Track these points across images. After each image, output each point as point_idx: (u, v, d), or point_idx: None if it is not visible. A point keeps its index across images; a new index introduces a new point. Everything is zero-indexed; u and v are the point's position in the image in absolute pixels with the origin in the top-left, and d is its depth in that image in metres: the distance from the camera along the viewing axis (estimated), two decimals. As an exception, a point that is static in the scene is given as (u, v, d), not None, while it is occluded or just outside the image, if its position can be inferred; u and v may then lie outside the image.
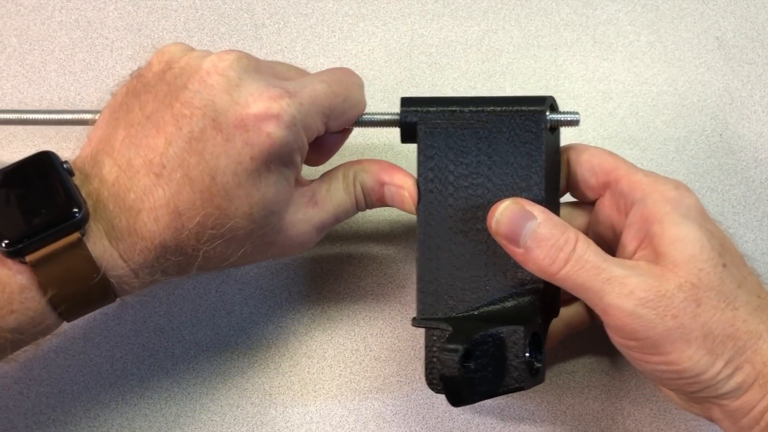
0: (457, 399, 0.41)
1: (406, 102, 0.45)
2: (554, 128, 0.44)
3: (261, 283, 0.52)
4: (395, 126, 0.45)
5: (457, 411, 0.50)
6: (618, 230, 0.44)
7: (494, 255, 0.43)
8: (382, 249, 0.52)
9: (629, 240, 0.43)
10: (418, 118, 0.44)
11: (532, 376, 0.43)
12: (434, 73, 0.53)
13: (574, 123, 0.44)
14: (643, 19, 0.54)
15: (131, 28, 0.54)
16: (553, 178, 0.44)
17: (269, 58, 0.54)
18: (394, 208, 0.46)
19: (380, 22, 0.54)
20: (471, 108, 0.44)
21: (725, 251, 0.41)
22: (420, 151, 0.44)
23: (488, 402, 0.50)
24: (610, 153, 0.45)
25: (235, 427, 0.51)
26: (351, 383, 0.51)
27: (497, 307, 0.43)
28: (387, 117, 0.45)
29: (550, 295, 0.44)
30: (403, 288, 0.51)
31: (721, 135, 0.52)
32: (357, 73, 0.45)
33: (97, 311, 0.51)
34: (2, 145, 0.53)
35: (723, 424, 0.42)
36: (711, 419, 0.42)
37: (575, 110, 0.44)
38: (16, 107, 0.54)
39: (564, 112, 0.44)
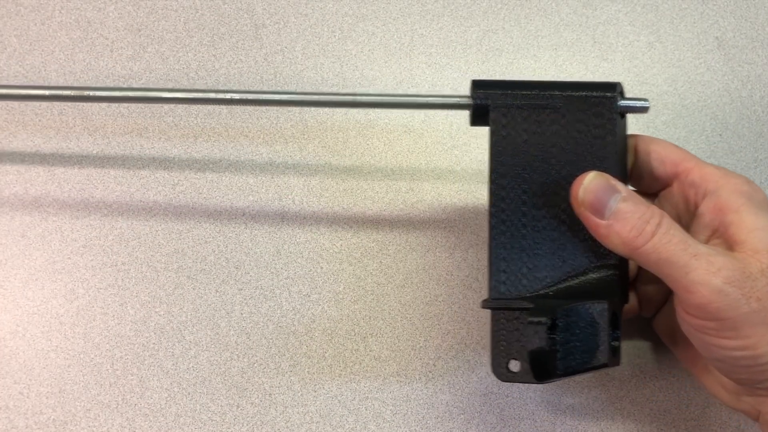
0: (543, 373, 0.40)
1: (477, 85, 0.45)
2: (623, 114, 0.45)
3: (261, 283, 0.52)
4: (464, 109, 0.45)
5: (456, 411, 0.50)
6: (684, 221, 0.44)
7: (569, 232, 0.43)
8: (382, 249, 0.52)
9: (701, 228, 0.43)
10: (490, 100, 0.44)
11: (613, 356, 0.42)
12: (434, 73, 0.54)
13: (643, 110, 0.44)
14: (643, 19, 0.54)
15: (131, 28, 0.55)
16: (623, 164, 0.44)
17: (269, 59, 0.54)
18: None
19: (380, 22, 0.54)
20: (543, 91, 0.44)
21: None
22: (492, 133, 0.44)
23: (488, 402, 0.50)
24: (677, 146, 0.45)
25: (235, 427, 0.51)
26: (351, 383, 0.51)
27: (572, 284, 0.43)
28: (456, 100, 0.46)
29: (622, 279, 0.44)
30: (402, 287, 0.51)
31: (721, 135, 0.52)
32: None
33: (97, 311, 0.52)
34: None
35: None
36: (756, 418, 0.42)
37: (644, 97, 0.44)
38: (16, 106, 0.54)
39: (633, 99, 0.44)
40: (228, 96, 0.47)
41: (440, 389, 0.51)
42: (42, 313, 0.52)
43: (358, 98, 0.46)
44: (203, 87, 0.54)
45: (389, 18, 0.54)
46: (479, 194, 0.52)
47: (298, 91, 0.47)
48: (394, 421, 0.51)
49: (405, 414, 0.51)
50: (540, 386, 0.50)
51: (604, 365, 0.41)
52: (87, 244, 0.52)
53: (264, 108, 0.53)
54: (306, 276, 0.52)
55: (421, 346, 0.51)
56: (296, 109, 0.54)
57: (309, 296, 0.52)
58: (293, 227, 0.52)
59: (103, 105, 0.54)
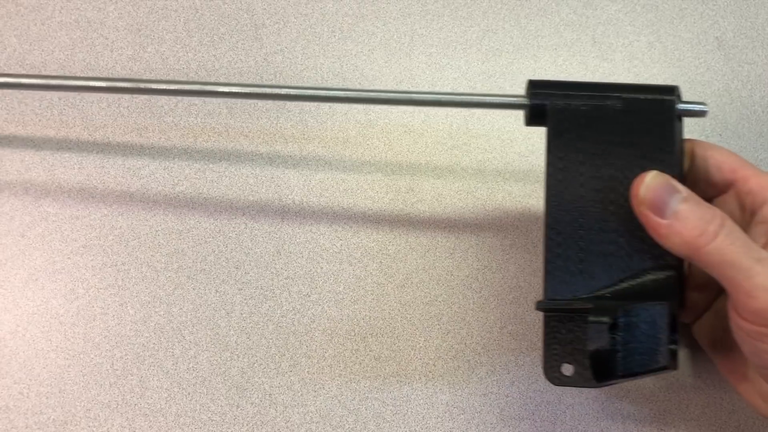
0: (603, 374, 0.40)
1: (534, 85, 0.45)
2: (679, 117, 0.45)
3: (261, 283, 0.52)
4: (519, 109, 0.45)
5: (456, 411, 0.50)
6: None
7: (627, 234, 0.43)
8: (382, 249, 0.52)
9: (758, 236, 0.43)
10: (548, 100, 0.44)
11: (672, 359, 0.42)
12: (434, 73, 0.54)
13: (701, 113, 0.44)
14: (643, 19, 0.54)
15: (131, 28, 0.55)
16: (680, 168, 0.44)
17: (269, 58, 0.54)
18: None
19: (380, 22, 0.54)
20: (601, 92, 0.44)
21: None
22: (550, 134, 0.44)
23: (488, 402, 0.50)
24: (734, 153, 0.45)
25: (235, 427, 0.51)
26: (351, 383, 0.51)
27: (629, 285, 0.43)
28: (511, 100, 0.46)
29: (680, 281, 0.44)
30: (402, 287, 0.51)
31: (720, 135, 0.52)
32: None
33: (97, 311, 0.52)
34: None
35: None
36: None
37: (702, 101, 0.44)
38: (16, 107, 0.54)
39: (692, 102, 0.44)
40: (284, 91, 0.46)
41: (440, 389, 0.51)
42: (42, 313, 0.52)
43: (414, 96, 0.46)
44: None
45: (389, 18, 0.54)
46: (479, 194, 0.52)
47: (354, 88, 0.47)
48: (394, 421, 0.51)
49: (405, 414, 0.51)
50: (540, 386, 0.50)
51: (664, 368, 0.41)
52: (87, 244, 0.52)
53: (264, 108, 0.53)
54: (306, 276, 0.52)
55: (421, 346, 0.51)
56: (296, 109, 0.54)
57: (309, 296, 0.52)
58: (293, 227, 0.52)
59: (103, 105, 0.54)
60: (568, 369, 0.41)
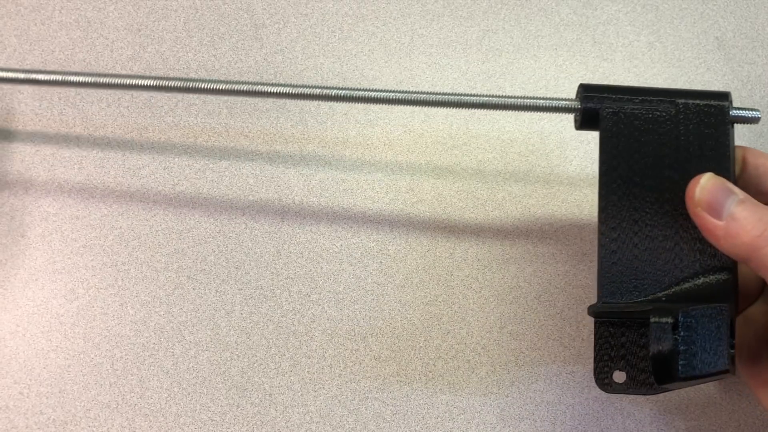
0: (665, 376, 0.39)
1: (586, 89, 0.45)
2: (732, 123, 0.45)
3: (261, 283, 0.52)
4: (569, 113, 0.46)
5: (456, 411, 0.50)
6: None
7: (681, 237, 0.43)
8: (382, 249, 0.52)
9: None
10: (600, 104, 0.44)
11: (731, 363, 0.41)
12: (434, 73, 0.54)
13: (754, 120, 0.44)
14: (643, 19, 0.54)
15: (131, 28, 0.55)
16: (732, 174, 0.44)
17: (269, 59, 0.54)
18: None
19: (380, 22, 0.54)
20: (653, 97, 0.44)
21: None
22: (603, 138, 0.44)
23: (488, 402, 0.50)
24: None
25: (235, 427, 0.51)
26: (351, 383, 0.51)
27: (684, 288, 0.43)
28: (563, 103, 0.46)
29: (735, 284, 0.44)
30: (402, 287, 0.51)
31: (721, 135, 0.52)
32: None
33: (97, 311, 0.52)
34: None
35: None
36: None
37: (756, 108, 0.44)
38: (17, 107, 0.54)
39: (745, 109, 0.45)
40: (333, 92, 0.46)
41: (440, 389, 0.51)
42: (42, 313, 0.52)
43: (463, 98, 0.46)
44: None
45: (389, 18, 0.54)
46: (479, 194, 0.52)
47: (401, 90, 0.47)
48: (394, 421, 0.51)
49: (405, 414, 0.51)
50: (540, 386, 0.50)
51: (725, 372, 0.40)
52: (87, 244, 0.52)
53: (264, 108, 0.53)
54: (306, 276, 0.52)
55: (421, 346, 0.51)
56: (296, 109, 0.54)
57: (309, 296, 0.52)
58: (293, 227, 0.52)
59: (103, 104, 0.54)
60: (620, 376, 0.41)
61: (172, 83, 0.46)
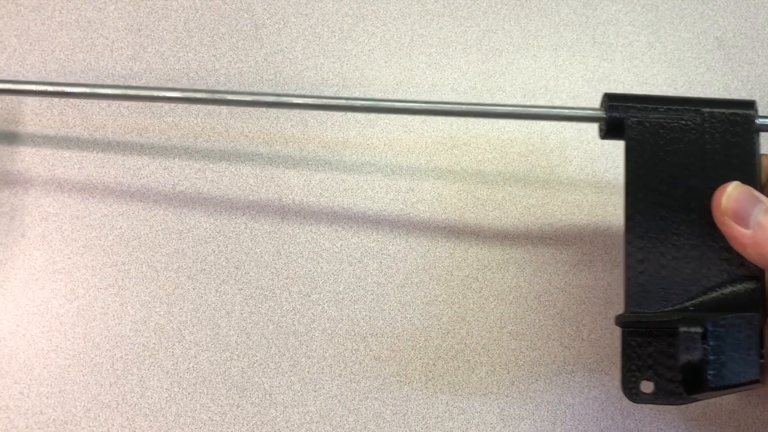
0: (695, 386, 0.39)
1: (611, 98, 0.45)
2: (758, 132, 0.45)
3: (261, 283, 0.52)
4: (594, 122, 0.46)
5: (456, 411, 0.50)
6: None
7: (708, 246, 0.43)
8: (382, 249, 0.52)
9: None
10: (625, 113, 0.44)
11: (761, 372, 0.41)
12: (434, 73, 0.54)
13: None
14: (643, 19, 0.54)
15: (131, 28, 0.55)
16: (758, 183, 0.44)
17: (269, 59, 0.54)
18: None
19: (380, 22, 0.54)
20: (679, 106, 0.44)
21: None
22: (628, 147, 0.44)
23: (488, 402, 0.50)
24: None
25: (235, 427, 0.51)
26: (351, 383, 0.51)
27: (712, 298, 0.42)
28: (587, 113, 0.46)
29: (763, 292, 0.43)
30: (402, 287, 0.51)
31: (721, 135, 0.52)
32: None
33: (97, 311, 0.52)
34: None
35: None
36: None
37: None
38: (17, 107, 0.54)
39: None
40: (358, 104, 0.46)
41: (440, 389, 0.51)
42: (42, 313, 0.52)
43: (488, 108, 0.46)
44: (204, 87, 0.54)
45: (389, 18, 0.54)
46: (479, 194, 0.52)
47: (424, 100, 0.47)
48: (394, 421, 0.51)
49: (405, 414, 0.51)
50: (540, 386, 0.50)
51: (755, 381, 0.40)
52: (87, 244, 0.52)
53: (264, 108, 0.53)
54: (306, 276, 0.52)
55: (421, 346, 0.51)
56: (296, 109, 0.54)
57: (309, 296, 0.52)
58: (293, 227, 0.52)
59: (103, 104, 0.54)
60: (647, 386, 0.41)
61: (199, 95, 0.47)
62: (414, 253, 0.52)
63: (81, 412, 0.51)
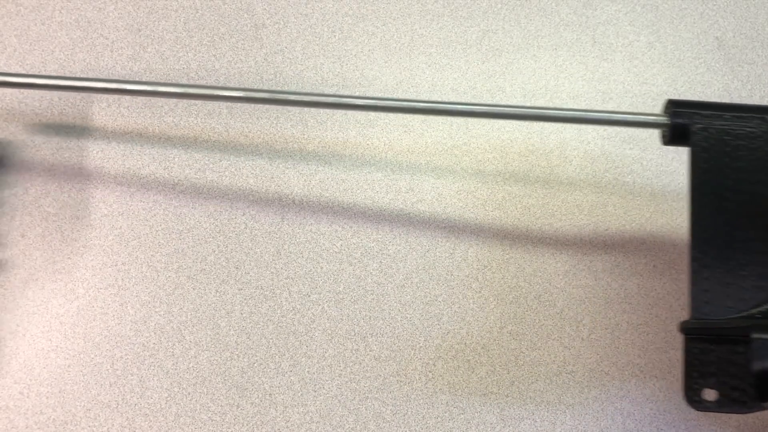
0: (767, 395, 0.39)
1: (675, 104, 0.45)
2: None
3: (261, 283, 0.52)
4: (657, 128, 0.46)
5: (456, 411, 0.50)
6: None
7: None
8: (382, 249, 0.52)
9: None
10: (690, 120, 0.44)
11: None
12: (434, 73, 0.54)
13: None
14: (643, 19, 0.54)
15: (131, 28, 0.55)
16: None
17: (269, 59, 0.54)
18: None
19: (380, 22, 0.54)
20: (743, 113, 0.44)
21: None
22: (693, 154, 0.44)
23: (488, 402, 0.50)
24: None
25: (235, 427, 0.51)
26: (351, 383, 0.51)
27: None
28: (651, 119, 0.46)
29: None
30: (402, 287, 0.51)
31: (721, 135, 0.52)
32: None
33: (97, 311, 0.52)
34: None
35: None
36: None
37: None
38: (17, 106, 0.54)
39: None
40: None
41: (440, 389, 0.51)
42: (42, 313, 0.52)
43: (548, 112, 0.46)
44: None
45: (389, 18, 0.54)
46: (479, 194, 0.52)
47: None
48: (394, 421, 0.50)
49: (405, 414, 0.51)
50: (539, 386, 0.50)
51: None
52: (88, 244, 0.52)
53: (264, 108, 0.53)
54: (306, 276, 0.52)
55: (421, 346, 0.51)
56: (296, 109, 0.54)
57: (309, 296, 0.52)
58: (293, 227, 0.52)
59: (103, 105, 0.54)
60: (710, 394, 0.41)
61: (260, 95, 0.48)
62: (414, 253, 0.52)
63: (81, 412, 0.51)
